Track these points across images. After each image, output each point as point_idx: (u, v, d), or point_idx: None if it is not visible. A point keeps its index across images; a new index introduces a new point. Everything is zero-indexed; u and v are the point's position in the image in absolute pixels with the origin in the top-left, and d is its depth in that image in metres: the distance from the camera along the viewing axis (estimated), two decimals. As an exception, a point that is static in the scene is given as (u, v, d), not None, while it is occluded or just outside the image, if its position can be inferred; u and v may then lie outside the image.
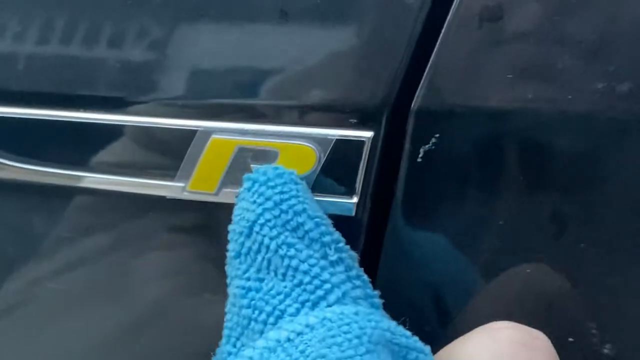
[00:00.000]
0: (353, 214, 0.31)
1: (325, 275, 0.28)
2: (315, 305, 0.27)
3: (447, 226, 0.30)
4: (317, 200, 0.31)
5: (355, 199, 0.31)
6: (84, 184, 0.35)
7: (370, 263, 0.31)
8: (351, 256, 0.29)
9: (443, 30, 0.29)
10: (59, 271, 0.38)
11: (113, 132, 0.34)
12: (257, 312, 0.28)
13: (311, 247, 0.28)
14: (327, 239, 0.29)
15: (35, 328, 0.40)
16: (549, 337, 0.27)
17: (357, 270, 0.29)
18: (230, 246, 0.30)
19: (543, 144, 0.28)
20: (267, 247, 0.28)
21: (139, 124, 0.33)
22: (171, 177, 0.34)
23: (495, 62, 0.29)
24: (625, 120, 0.27)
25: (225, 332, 0.29)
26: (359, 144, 0.31)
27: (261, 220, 0.29)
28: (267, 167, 0.31)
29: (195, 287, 0.36)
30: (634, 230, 0.29)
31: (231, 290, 0.29)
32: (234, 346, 0.29)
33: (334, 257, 0.28)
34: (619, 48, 0.27)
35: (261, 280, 0.28)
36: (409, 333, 0.28)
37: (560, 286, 0.29)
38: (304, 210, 0.29)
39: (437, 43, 0.29)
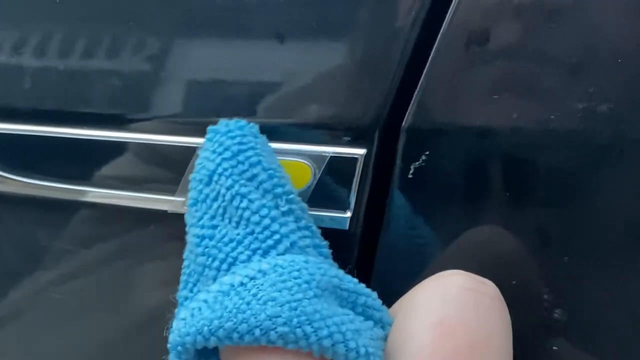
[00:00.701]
0: (347, 227, 0.33)
1: (275, 226, 0.29)
2: (266, 253, 0.29)
3: (437, 240, 0.32)
4: (311, 215, 0.32)
5: (348, 214, 0.33)
6: (87, 198, 0.36)
7: (363, 275, 0.32)
8: (301, 207, 0.30)
9: (432, 53, 0.30)
10: (61, 281, 0.39)
11: (116, 148, 0.35)
12: (210, 259, 0.29)
13: (264, 198, 0.29)
14: (278, 190, 0.30)
15: (36, 338, 0.41)
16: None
17: (307, 221, 0.30)
18: (189, 194, 0.31)
19: (527, 161, 0.30)
20: (223, 196, 0.29)
21: (140, 141, 0.35)
22: (172, 192, 0.35)
23: (482, 83, 0.30)
24: (605, 138, 0.29)
25: (183, 277, 0.31)
26: (352, 160, 0.32)
27: (219, 170, 0.30)
28: (229, 120, 0.32)
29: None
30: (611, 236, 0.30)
31: (188, 238, 0.31)
32: (191, 291, 0.30)
33: (284, 208, 0.30)
34: (598, 71, 0.28)
35: (215, 227, 0.29)
36: (356, 280, 0.29)
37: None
38: (259, 162, 0.30)
39: (427, 64, 0.31)
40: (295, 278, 0.27)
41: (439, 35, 0.30)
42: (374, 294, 0.29)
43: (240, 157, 0.30)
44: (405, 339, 0.27)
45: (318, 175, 0.32)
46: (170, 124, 0.34)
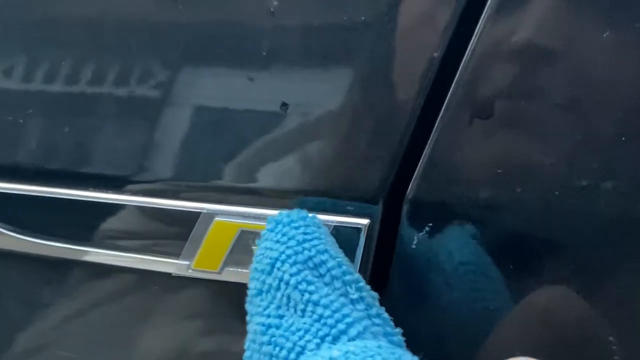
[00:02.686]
0: (350, 296, 0.33)
1: (346, 311, 0.28)
2: (335, 339, 0.28)
3: (440, 313, 0.32)
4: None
5: (352, 282, 0.33)
6: (94, 258, 0.36)
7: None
8: (372, 295, 0.29)
9: (436, 125, 0.30)
10: (65, 339, 0.40)
11: (123, 209, 0.36)
12: (277, 348, 0.28)
13: (332, 285, 0.28)
14: (348, 277, 0.29)
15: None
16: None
17: (378, 309, 0.29)
18: (251, 284, 0.30)
19: (531, 235, 0.30)
20: (287, 283, 0.29)
21: (145, 205, 0.35)
22: (176, 255, 0.35)
23: (486, 156, 0.30)
24: (609, 215, 0.29)
25: None
26: (356, 230, 0.32)
27: (283, 257, 0.29)
28: (290, 210, 0.31)
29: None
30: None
31: (251, 327, 0.30)
32: None
33: (354, 295, 0.29)
34: (602, 148, 0.28)
35: (281, 317, 0.29)
36: None
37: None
38: (326, 250, 0.29)
39: (431, 136, 0.31)
40: None
41: (443, 108, 0.30)
42: None
43: (306, 245, 0.29)
44: None
45: (322, 244, 0.32)
46: (175, 187, 0.35)
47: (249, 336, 0.30)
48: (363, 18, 0.31)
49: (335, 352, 0.26)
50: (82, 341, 0.39)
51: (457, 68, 0.30)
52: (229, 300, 0.36)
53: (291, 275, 0.29)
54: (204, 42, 0.33)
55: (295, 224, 0.30)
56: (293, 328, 0.28)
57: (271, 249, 0.30)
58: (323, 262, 0.29)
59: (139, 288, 0.37)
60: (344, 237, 0.32)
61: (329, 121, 0.32)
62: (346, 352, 0.26)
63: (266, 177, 0.33)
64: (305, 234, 0.29)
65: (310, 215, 0.31)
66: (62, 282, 0.38)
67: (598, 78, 0.29)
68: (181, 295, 0.37)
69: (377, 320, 0.28)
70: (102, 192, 0.35)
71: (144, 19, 0.33)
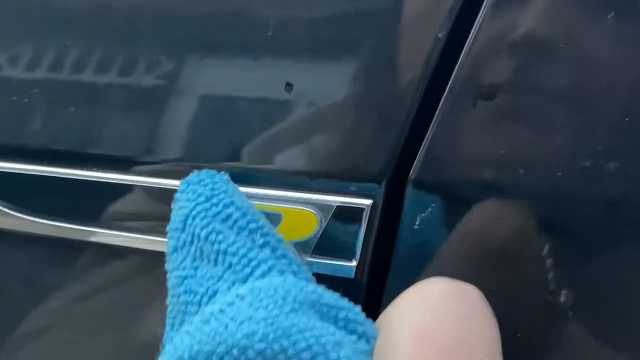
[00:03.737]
0: (353, 276, 0.33)
1: (252, 254, 0.30)
2: (244, 281, 0.29)
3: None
4: (318, 263, 0.32)
5: (354, 263, 0.33)
6: (100, 239, 0.37)
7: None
8: (277, 238, 0.31)
9: (440, 105, 0.31)
10: (70, 320, 0.40)
11: (132, 191, 0.36)
12: (192, 294, 0.30)
13: (240, 235, 0.30)
14: (252, 225, 0.30)
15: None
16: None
17: (283, 251, 0.31)
18: (168, 243, 0.32)
19: (534, 216, 0.30)
20: (199, 236, 0.30)
21: (155, 185, 0.35)
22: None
23: (489, 137, 0.30)
24: (612, 196, 0.29)
25: (168, 320, 0.31)
26: (358, 210, 0.32)
27: (193, 213, 0.31)
28: (200, 171, 0.33)
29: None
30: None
31: (170, 282, 0.31)
32: (177, 331, 0.30)
33: (260, 241, 0.30)
34: (606, 129, 0.28)
35: (196, 268, 0.30)
36: (337, 295, 0.29)
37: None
38: (232, 202, 0.31)
39: (435, 117, 0.31)
40: (271, 296, 0.27)
41: (447, 89, 0.30)
42: (357, 308, 0.29)
43: (214, 200, 0.31)
44: (387, 351, 0.27)
45: (324, 224, 0.32)
46: (180, 168, 0.35)
47: (170, 292, 0.31)
48: (367, -2, 0.31)
49: (242, 290, 0.28)
50: (88, 323, 0.40)
51: (462, 49, 0.30)
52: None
53: (202, 228, 0.30)
54: (212, 29, 0.33)
55: (204, 182, 0.31)
56: (207, 276, 0.30)
57: (182, 207, 0.31)
58: (229, 215, 0.30)
59: (146, 270, 0.37)
60: (347, 218, 0.32)
61: (332, 103, 0.32)
62: (252, 289, 0.28)
63: (269, 159, 0.33)
64: (212, 189, 0.31)
65: (219, 173, 0.32)
66: (71, 263, 0.38)
67: (603, 60, 0.29)
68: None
69: (283, 261, 0.30)
70: (112, 172, 0.36)
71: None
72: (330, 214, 0.32)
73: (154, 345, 0.38)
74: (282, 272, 0.29)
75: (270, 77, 0.32)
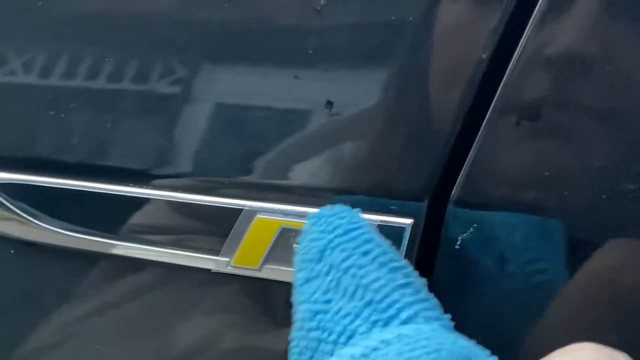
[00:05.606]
0: (393, 295, 0.33)
1: (396, 295, 0.28)
2: (387, 324, 0.27)
3: (483, 313, 0.32)
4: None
5: (394, 282, 0.33)
6: (133, 253, 0.37)
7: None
8: (420, 282, 0.29)
9: (483, 125, 0.31)
10: (99, 332, 0.40)
11: (164, 205, 0.36)
12: (326, 333, 0.28)
13: (380, 271, 0.28)
14: (395, 264, 0.29)
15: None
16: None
17: (426, 294, 0.29)
18: (298, 275, 0.30)
19: (578, 240, 0.30)
20: (338, 267, 0.29)
21: (187, 201, 0.35)
22: (216, 252, 0.35)
23: (532, 158, 0.30)
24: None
25: (293, 355, 0.29)
26: (400, 229, 0.32)
27: (332, 245, 0.29)
28: (332, 205, 0.31)
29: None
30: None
31: (298, 315, 0.29)
32: None
33: (403, 281, 0.28)
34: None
35: (329, 301, 0.28)
36: (488, 352, 0.27)
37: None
38: (372, 239, 0.29)
39: (477, 137, 0.31)
40: (423, 347, 0.25)
41: (490, 109, 0.30)
42: None
43: (353, 234, 0.29)
44: None
45: (365, 243, 0.32)
46: (217, 184, 0.35)
47: (296, 325, 0.29)
48: (411, 18, 0.31)
49: (387, 335, 0.26)
50: (117, 334, 0.39)
51: (505, 69, 0.30)
52: (263, 298, 0.36)
53: (342, 260, 0.28)
54: (249, 40, 0.33)
55: (340, 215, 0.30)
56: (342, 312, 0.28)
57: (318, 239, 0.30)
58: (369, 250, 0.29)
59: (175, 284, 0.37)
60: (387, 237, 0.32)
61: (375, 120, 0.32)
62: (399, 335, 0.26)
63: (310, 175, 0.33)
64: (351, 222, 0.30)
65: (355, 209, 0.31)
66: (102, 275, 0.38)
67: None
68: (216, 291, 0.37)
69: (427, 305, 0.28)
70: (144, 187, 0.36)
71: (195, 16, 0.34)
72: (371, 233, 0.32)
73: (183, 358, 0.38)
74: (427, 319, 0.27)
75: (310, 92, 0.32)
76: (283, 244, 0.34)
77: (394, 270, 0.28)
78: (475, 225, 0.31)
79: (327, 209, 0.31)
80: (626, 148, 0.29)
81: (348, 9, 0.32)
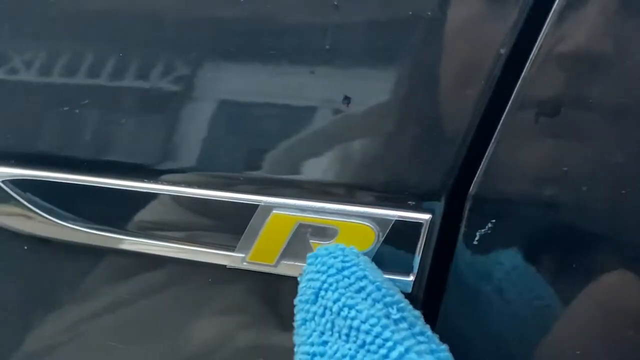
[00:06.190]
0: (410, 291, 0.33)
1: (387, 334, 0.28)
2: None
3: (504, 305, 0.32)
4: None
5: (412, 277, 0.33)
6: (148, 250, 0.37)
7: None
8: (414, 315, 0.30)
9: (501, 122, 0.30)
10: (111, 328, 0.40)
11: (179, 201, 0.36)
12: None
13: (374, 307, 0.29)
14: (388, 299, 0.30)
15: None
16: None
17: (421, 327, 0.30)
18: (296, 317, 0.31)
19: (597, 235, 0.30)
20: (331, 309, 0.30)
21: (204, 197, 0.35)
22: (231, 248, 0.35)
23: (551, 154, 0.30)
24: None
25: None
26: (417, 225, 0.32)
27: (325, 286, 0.30)
28: (328, 245, 0.32)
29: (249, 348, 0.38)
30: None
31: (297, 357, 0.30)
32: None
33: (396, 316, 0.29)
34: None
35: (325, 343, 0.29)
36: None
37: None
38: (365, 276, 0.30)
39: (495, 133, 0.31)
40: None
41: (509, 105, 0.30)
42: None
43: (346, 272, 0.30)
44: None
45: (381, 239, 0.32)
46: (233, 180, 0.35)
47: None
48: (429, 13, 0.31)
49: None
50: (130, 331, 0.39)
51: (524, 65, 0.30)
52: (277, 295, 0.36)
53: (334, 302, 0.30)
54: (265, 36, 0.33)
55: (334, 254, 0.31)
56: (338, 355, 0.29)
57: (313, 280, 0.31)
58: (363, 287, 0.30)
59: (190, 280, 0.37)
60: (405, 232, 0.32)
61: (393, 116, 0.32)
62: None
63: (327, 171, 0.33)
64: (343, 262, 0.31)
65: (350, 247, 0.32)
66: (116, 272, 0.38)
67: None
68: (231, 287, 0.37)
69: (421, 338, 0.29)
70: (160, 184, 0.35)
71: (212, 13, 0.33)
72: (389, 228, 0.32)
73: (198, 356, 0.38)
74: (419, 354, 0.28)
75: (328, 89, 0.32)
76: (299, 239, 0.34)
77: (388, 305, 0.29)
78: (494, 221, 0.31)
79: (323, 249, 0.32)
80: (646, 143, 0.29)
81: (365, 5, 0.32)
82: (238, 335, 0.38)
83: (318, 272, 0.31)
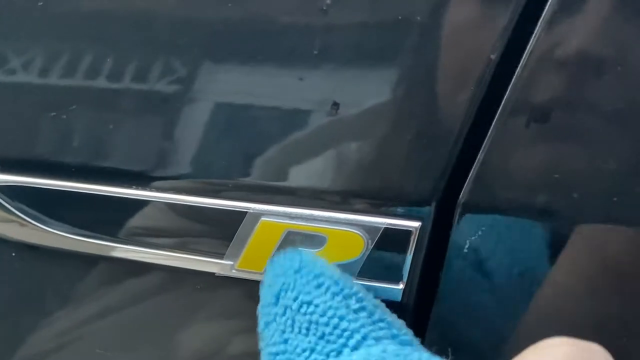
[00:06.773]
0: (399, 299, 0.32)
1: (345, 324, 0.29)
2: (339, 353, 0.28)
3: (490, 316, 0.31)
4: (363, 285, 0.32)
5: (401, 286, 0.32)
6: (135, 257, 0.36)
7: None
8: (374, 304, 0.30)
9: (491, 128, 0.30)
10: (101, 335, 0.39)
11: (167, 208, 0.35)
12: None
13: (333, 300, 0.30)
14: (347, 291, 0.30)
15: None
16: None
17: (381, 314, 0.30)
18: (259, 322, 0.32)
19: (591, 243, 0.29)
20: (291, 307, 0.30)
21: (191, 203, 0.35)
22: (219, 255, 0.35)
23: (542, 160, 0.30)
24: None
25: None
26: (407, 233, 0.32)
27: (284, 287, 0.31)
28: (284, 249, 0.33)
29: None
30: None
31: (262, 359, 0.31)
32: None
33: (355, 306, 0.30)
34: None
35: (286, 341, 0.30)
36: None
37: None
38: (323, 273, 0.31)
39: (485, 140, 0.30)
40: None
41: (499, 110, 0.30)
42: None
43: (303, 272, 0.30)
44: None
45: (371, 247, 0.32)
46: (221, 187, 0.34)
47: None
48: (419, 18, 0.30)
49: None
50: (119, 339, 0.39)
51: (514, 70, 0.30)
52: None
53: (294, 300, 0.30)
54: (254, 41, 0.33)
55: (290, 257, 0.32)
56: (298, 349, 0.29)
57: (272, 285, 0.31)
58: (321, 284, 0.30)
59: (179, 287, 0.37)
60: (394, 240, 0.32)
61: (381, 122, 0.31)
62: None
63: (316, 177, 0.33)
64: (301, 262, 0.31)
65: (304, 250, 0.32)
66: (104, 279, 0.38)
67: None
68: (220, 295, 0.36)
69: (381, 324, 0.29)
70: (148, 190, 0.35)
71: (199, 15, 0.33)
72: (378, 235, 0.32)
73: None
74: (378, 339, 0.28)
75: (316, 94, 0.32)
76: (289, 247, 0.33)
77: (347, 297, 0.30)
78: (484, 228, 0.31)
79: (280, 254, 0.33)
80: (638, 151, 0.28)
81: (355, 8, 0.31)
82: (230, 342, 0.37)
83: (276, 275, 0.31)
